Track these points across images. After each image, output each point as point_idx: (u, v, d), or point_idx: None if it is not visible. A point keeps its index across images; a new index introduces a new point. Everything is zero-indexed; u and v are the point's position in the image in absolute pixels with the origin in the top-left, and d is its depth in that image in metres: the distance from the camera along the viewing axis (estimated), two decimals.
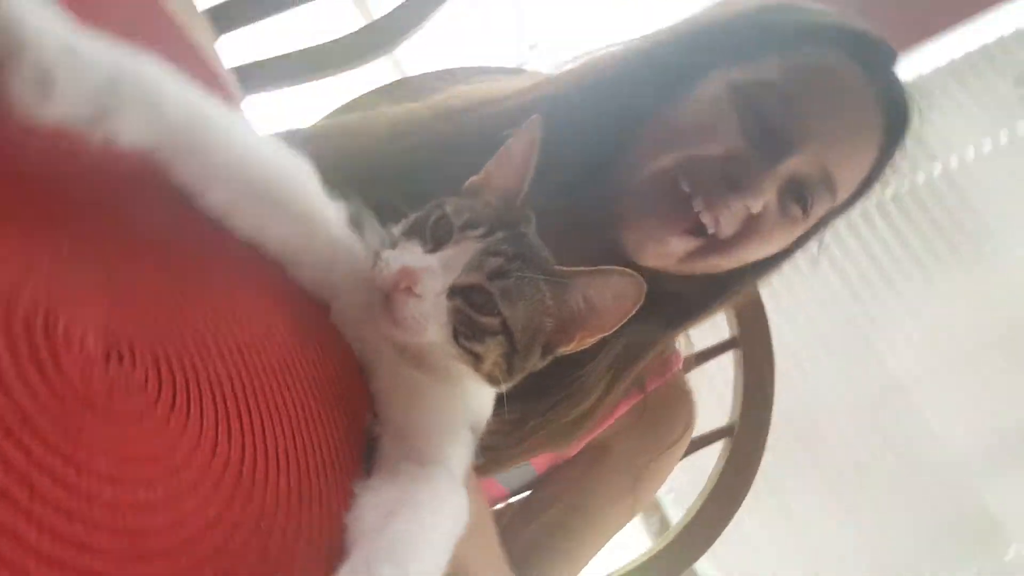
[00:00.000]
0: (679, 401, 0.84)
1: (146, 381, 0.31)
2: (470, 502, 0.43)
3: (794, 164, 0.66)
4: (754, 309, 0.96)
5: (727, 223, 0.67)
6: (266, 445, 0.36)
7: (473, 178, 0.53)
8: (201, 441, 0.32)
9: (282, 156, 0.42)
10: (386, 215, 0.50)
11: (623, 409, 0.80)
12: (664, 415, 0.82)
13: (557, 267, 0.49)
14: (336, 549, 0.36)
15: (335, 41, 1.02)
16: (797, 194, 0.67)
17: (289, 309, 0.44)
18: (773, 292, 1.10)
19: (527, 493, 0.83)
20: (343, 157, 0.68)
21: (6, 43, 0.28)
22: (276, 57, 1.01)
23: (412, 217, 0.49)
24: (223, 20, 0.97)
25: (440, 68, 0.95)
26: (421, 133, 0.71)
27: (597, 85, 0.71)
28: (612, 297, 0.48)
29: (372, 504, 0.39)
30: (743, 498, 0.94)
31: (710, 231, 0.67)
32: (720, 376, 1.00)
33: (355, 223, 0.47)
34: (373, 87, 0.96)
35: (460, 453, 0.47)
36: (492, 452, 0.67)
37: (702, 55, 0.69)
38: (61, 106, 0.30)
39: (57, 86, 0.29)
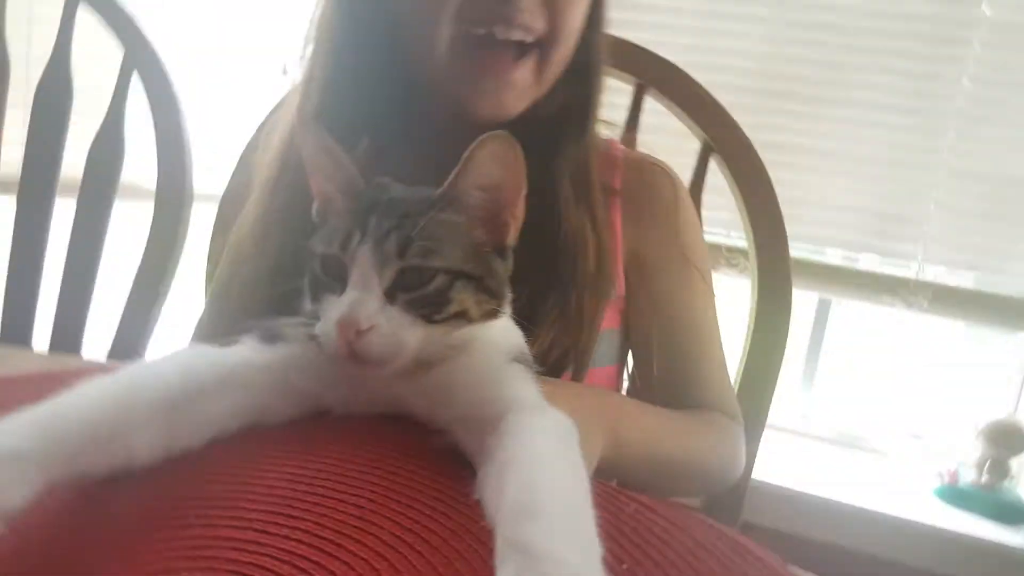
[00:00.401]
0: (647, 170, 0.81)
1: None
2: (568, 411, 0.42)
3: None
4: None
5: (533, 19, 0.65)
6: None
7: (314, 205, 0.51)
8: None
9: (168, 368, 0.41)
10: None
11: (618, 222, 0.78)
12: (646, 194, 0.80)
13: (433, 192, 0.47)
14: None
15: None
16: None
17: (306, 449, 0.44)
18: None
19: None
20: (247, 289, 0.68)
21: None
22: None
23: (305, 284, 0.48)
24: None
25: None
26: (270, 225, 0.69)
27: (336, 30, 0.70)
28: (496, 167, 0.46)
29: (488, 489, 0.38)
30: None
31: (530, 39, 0.65)
32: None
33: (269, 338, 0.46)
34: None
35: (522, 386, 0.46)
36: (571, 351, 0.68)
37: None
38: None
39: None
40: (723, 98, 1.51)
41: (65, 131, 1.01)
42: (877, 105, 1.41)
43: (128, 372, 0.39)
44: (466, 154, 0.45)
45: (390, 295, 0.44)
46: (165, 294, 1.01)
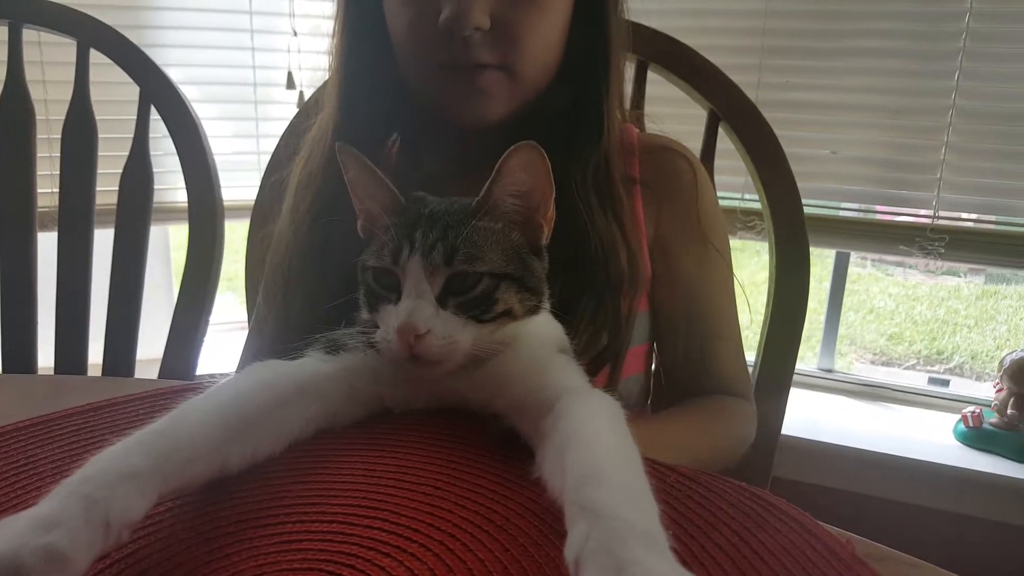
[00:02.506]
0: (664, 156, 0.84)
1: None
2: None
3: None
4: None
5: (483, 54, 0.68)
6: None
7: (359, 222, 0.55)
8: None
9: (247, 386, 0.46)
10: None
11: (640, 209, 0.80)
12: (665, 180, 0.82)
13: (471, 201, 0.51)
14: None
15: None
16: None
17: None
18: None
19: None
20: (303, 302, 0.73)
21: None
22: None
23: (360, 296, 0.52)
24: None
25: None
26: (314, 239, 0.74)
27: (347, 52, 0.75)
28: (525, 174, 0.50)
29: (548, 466, 0.42)
30: None
31: (483, 60, 0.68)
32: None
33: (333, 349, 0.50)
34: None
35: (569, 374, 0.50)
36: (609, 345, 0.72)
37: None
38: None
39: None
40: (725, 60, 1.52)
41: (95, 166, 1.06)
42: (880, 52, 1.41)
43: (218, 392, 0.44)
44: (497, 165, 0.49)
45: (441, 300, 0.48)
46: (211, 305, 1.06)
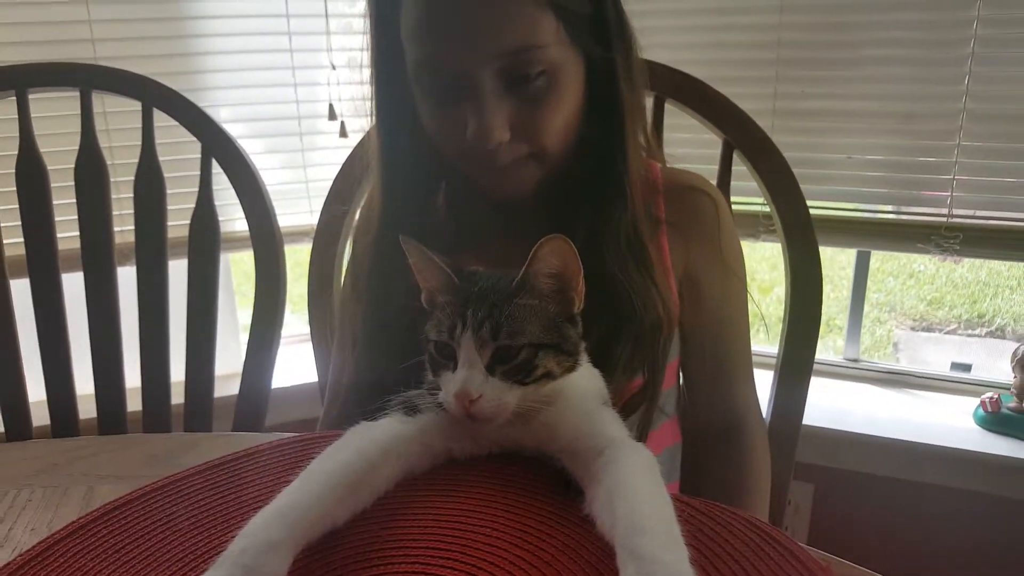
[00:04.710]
0: (688, 196, 0.90)
1: None
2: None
3: (481, 75, 0.72)
4: None
5: (513, 151, 0.76)
6: None
7: (423, 296, 0.65)
8: None
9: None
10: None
11: (666, 247, 0.87)
12: (690, 219, 0.89)
13: (512, 279, 0.60)
14: None
15: None
16: (513, 74, 0.73)
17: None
18: None
19: None
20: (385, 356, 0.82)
21: None
22: None
23: (426, 361, 0.62)
24: None
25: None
26: (369, 304, 0.85)
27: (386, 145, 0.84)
28: (555, 259, 0.59)
29: (597, 507, 0.53)
30: None
31: (509, 160, 0.76)
32: None
33: (409, 410, 0.61)
34: None
35: (614, 426, 0.60)
36: (647, 386, 0.81)
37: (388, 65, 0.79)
38: None
39: None
40: (740, 74, 1.60)
41: (165, 216, 1.17)
42: (892, 60, 1.47)
43: (326, 462, 0.55)
44: (532, 252, 0.58)
45: (490, 369, 0.57)
46: (281, 321, 1.18)
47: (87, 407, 1.19)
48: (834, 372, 1.77)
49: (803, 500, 1.64)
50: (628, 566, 0.44)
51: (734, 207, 1.08)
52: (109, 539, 0.56)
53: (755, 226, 1.55)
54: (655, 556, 0.44)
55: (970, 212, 1.47)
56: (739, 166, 1.07)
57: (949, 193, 1.47)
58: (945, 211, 1.48)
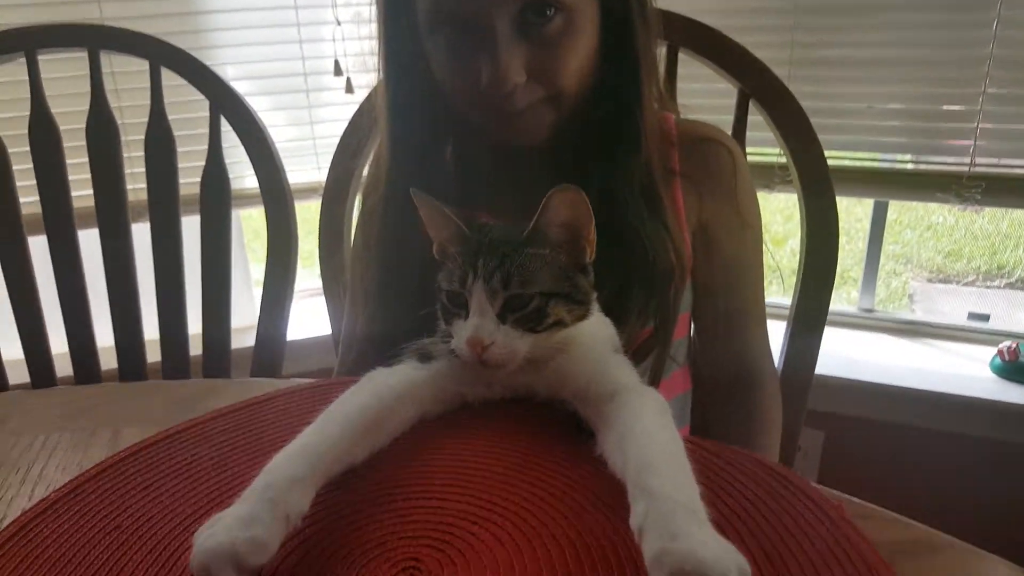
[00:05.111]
0: (704, 147, 0.89)
1: None
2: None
3: (496, 20, 0.71)
4: None
5: (530, 94, 0.75)
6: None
7: (434, 247, 0.65)
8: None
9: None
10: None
11: (680, 198, 0.87)
12: (705, 171, 0.88)
13: (523, 230, 0.60)
14: None
15: None
16: (528, 17, 0.72)
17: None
18: None
19: None
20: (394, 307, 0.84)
21: None
22: None
23: (438, 309, 0.63)
24: None
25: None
26: (378, 253, 0.86)
27: (392, 83, 0.83)
28: (566, 209, 0.58)
29: (610, 448, 0.53)
30: None
31: (525, 105, 0.76)
32: None
33: (423, 357, 0.62)
34: None
35: (625, 371, 0.61)
36: (658, 332, 0.82)
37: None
38: None
39: None
40: (756, 23, 1.56)
41: (176, 174, 1.18)
42: (915, 5, 1.43)
43: (345, 405, 0.56)
44: (542, 202, 0.58)
45: (501, 317, 0.58)
46: (294, 276, 1.19)
47: (108, 359, 1.22)
48: (848, 322, 1.77)
49: (813, 447, 1.65)
50: (639, 503, 0.44)
51: (749, 158, 1.07)
52: (137, 477, 0.58)
53: (770, 177, 1.53)
54: (666, 493, 0.44)
55: (993, 161, 1.45)
56: (754, 116, 1.06)
57: (972, 142, 1.45)
58: (967, 160, 1.46)
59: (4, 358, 1.22)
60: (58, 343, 1.21)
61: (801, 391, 1.05)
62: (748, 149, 1.08)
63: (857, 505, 0.54)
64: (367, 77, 1.59)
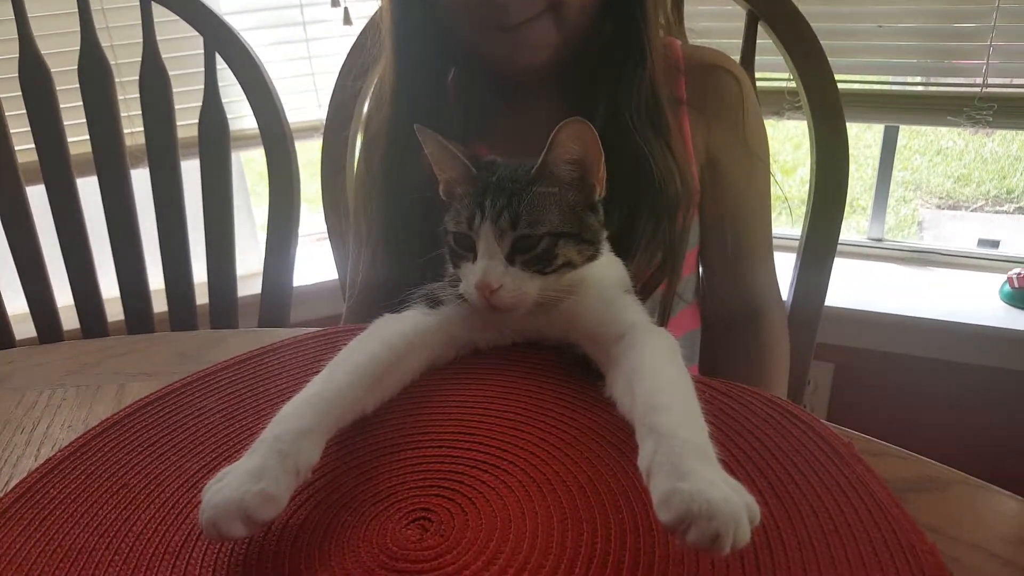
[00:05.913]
0: (711, 75, 0.87)
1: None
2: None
3: None
4: None
5: (528, 6, 0.73)
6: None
7: (440, 187, 0.64)
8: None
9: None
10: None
11: (687, 127, 0.85)
12: (712, 99, 0.86)
13: (531, 167, 0.58)
14: None
15: None
16: None
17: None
18: None
19: None
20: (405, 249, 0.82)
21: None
22: None
23: (445, 253, 0.62)
24: None
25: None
26: (383, 185, 0.84)
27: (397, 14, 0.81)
28: (575, 144, 0.57)
29: (618, 389, 0.53)
30: None
31: (526, 16, 0.73)
32: None
33: (432, 302, 0.61)
34: None
35: (635, 311, 0.60)
36: (666, 262, 0.80)
37: None
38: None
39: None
40: None
41: (173, 115, 1.14)
42: None
43: (353, 353, 0.55)
44: (550, 137, 0.56)
45: (510, 259, 0.57)
46: (298, 219, 1.18)
47: (114, 310, 1.22)
48: (857, 252, 1.75)
49: (822, 379, 1.66)
50: (647, 442, 0.43)
51: (758, 83, 1.04)
52: (143, 433, 0.58)
53: (779, 103, 1.50)
54: (674, 432, 0.43)
55: (1006, 81, 1.41)
56: (763, 39, 1.02)
57: (984, 61, 1.40)
58: (979, 81, 1.41)
59: (10, 313, 1.22)
60: (64, 296, 1.21)
61: (810, 323, 1.05)
62: (757, 74, 1.05)
63: (866, 442, 0.54)
64: (363, 7, 1.55)
